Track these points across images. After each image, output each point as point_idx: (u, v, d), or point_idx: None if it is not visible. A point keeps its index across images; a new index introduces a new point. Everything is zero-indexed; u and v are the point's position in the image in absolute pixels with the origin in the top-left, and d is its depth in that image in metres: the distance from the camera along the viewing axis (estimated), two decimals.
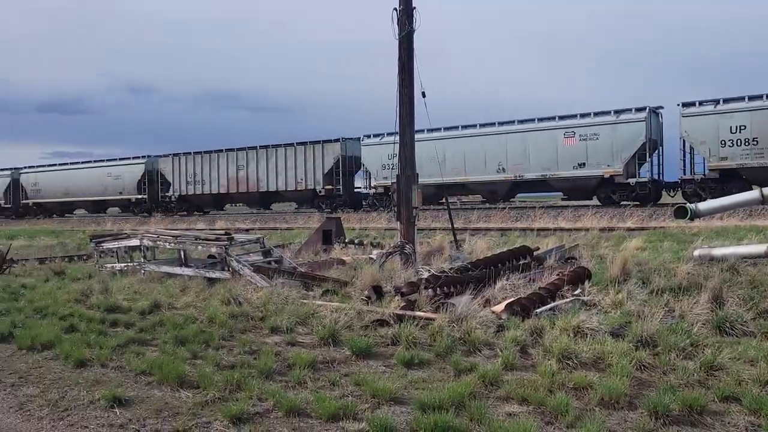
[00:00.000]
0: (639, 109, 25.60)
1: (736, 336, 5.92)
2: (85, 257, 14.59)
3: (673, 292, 7.51)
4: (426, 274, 8.58)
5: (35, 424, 4.43)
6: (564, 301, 7.30)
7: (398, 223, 11.03)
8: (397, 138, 10.78)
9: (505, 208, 26.20)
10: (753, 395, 4.24)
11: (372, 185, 32.51)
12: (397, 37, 10.42)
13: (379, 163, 31.49)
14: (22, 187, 47.34)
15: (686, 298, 7.05)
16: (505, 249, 10.81)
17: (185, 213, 39.29)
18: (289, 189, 35.04)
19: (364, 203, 33.20)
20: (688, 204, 9.79)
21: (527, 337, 5.87)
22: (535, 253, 10.28)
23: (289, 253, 13.01)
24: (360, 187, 34.81)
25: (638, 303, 7.04)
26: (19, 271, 12.57)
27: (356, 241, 14.63)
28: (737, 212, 18.44)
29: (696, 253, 9.78)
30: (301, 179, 34.47)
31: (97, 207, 44.34)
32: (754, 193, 9.18)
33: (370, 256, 12.09)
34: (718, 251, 9.63)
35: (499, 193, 29.54)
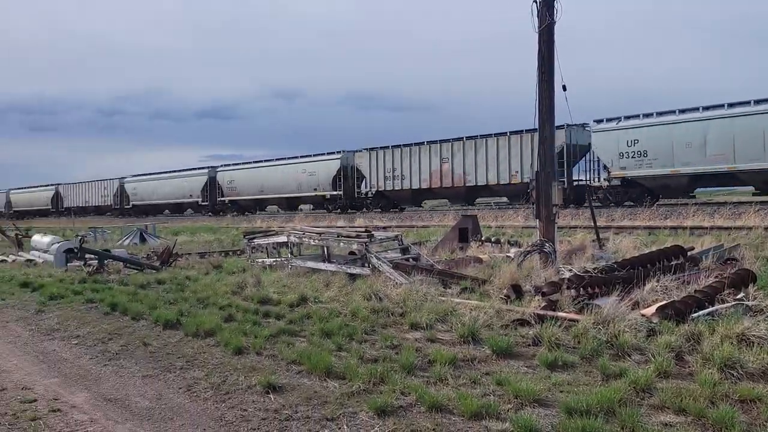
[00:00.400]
0: None
1: None
2: (238, 252, 15.72)
3: None
4: (567, 274, 8.29)
5: (201, 404, 4.86)
6: (725, 305, 6.70)
7: (537, 220, 10.75)
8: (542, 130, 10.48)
9: (653, 205, 24.59)
10: None
11: (606, 177, 28.09)
12: (537, 30, 10.14)
13: (615, 151, 27.10)
14: (218, 185, 47.81)
15: None
16: (653, 248, 10.15)
17: (379, 210, 37.40)
18: (501, 182, 31.84)
19: (594, 197, 27.80)
20: None
21: (683, 343, 5.48)
22: (689, 254, 9.56)
23: (426, 250, 13.13)
24: (579, 180, 30.31)
25: None
26: (183, 264, 13.83)
27: (493, 239, 14.44)
28: None
29: None
30: (516, 171, 31.09)
31: (291, 204, 43.91)
32: None
33: (508, 254, 11.88)
34: None
35: None
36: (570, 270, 9.05)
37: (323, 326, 6.82)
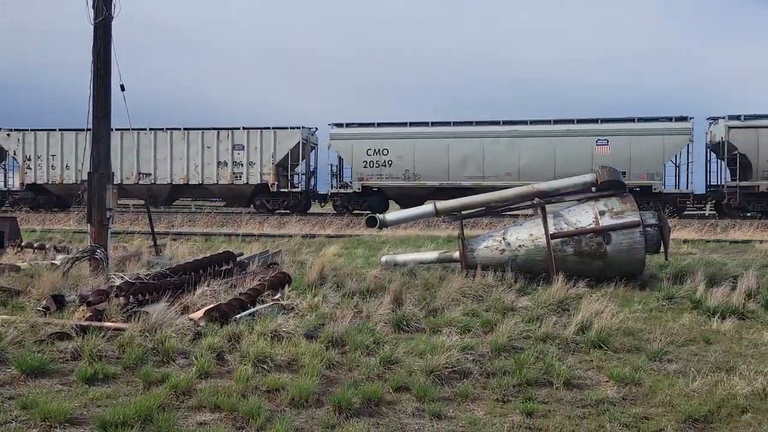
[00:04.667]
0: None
1: (411, 332, 6.70)
2: None
3: (362, 295, 8.18)
4: (119, 281, 7.92)
5: None
6: (264, 306, 7.42)
7: (89, 225, 9.99)
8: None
9: (211, 212, 25.76)
10: (420, 384, 4.85)
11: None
12: (92, 23, 9.47)
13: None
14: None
15: (373, 300, 7.77)
16: (208, 254, 10.58)
17: None
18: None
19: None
20: (377, 215, 10.81)
21: (225, 343, 5.81)
22: (238, 259, 10.27)
23: None
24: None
25: (332, 306, 7.52)
26: None
27: (36, 245, 12.83)
28: (418, 223, 21.04)
29: (383, 259, 10.86)
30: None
31: None
32: (429, 207, 10.57)
33: (53, 261, 10.70)
34: (401, 257, 10.83)
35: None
36: (122, 277, 8.66)
37: None
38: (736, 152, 24.53)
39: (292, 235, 16.47)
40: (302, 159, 28.57)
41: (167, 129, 28.57)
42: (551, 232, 9.42)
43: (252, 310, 7.13)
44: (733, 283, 8.40)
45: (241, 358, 5.39)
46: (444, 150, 26.31)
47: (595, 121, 25.88)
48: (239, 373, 4.92)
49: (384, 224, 10.74)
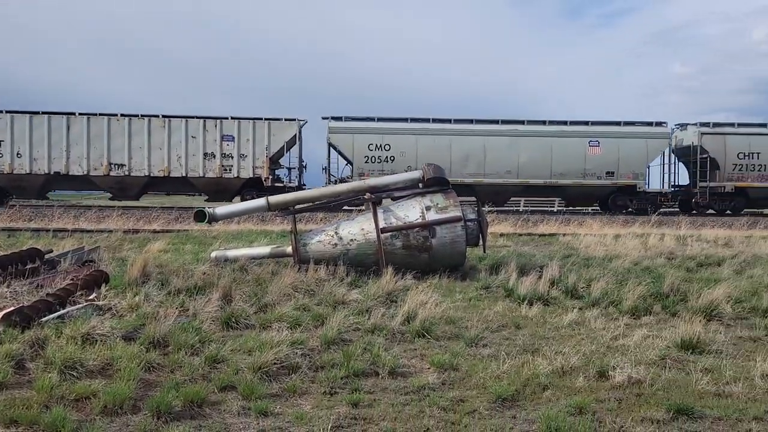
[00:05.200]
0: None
1: (241, 329, 6.52)
2: None
3: (189, 292, 7.81)
4: None
5: None
6: (76, 307, 6.79)
7: None
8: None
9: (15, 204, 23.08)
10: (247, 382, 4.73)
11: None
12: None
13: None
14: None
15: (200, 297, 7.46)
16: (9, 252, 9.46)
17: None
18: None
19: None
20: (206, 208, 10.38)
21: (26, 349, 5.22)
22: (47, 256, 9.31)
23: None
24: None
25: (155, 304, 7.09)
26: None
27: None
28: (252, 217, 20.60)
29: (213, 254, 10.47)
30: None
31: None
32: (261, 201, 10.37)
33: None
34: (231, 253, 10.51)
35: None
36: None
37: None
38: (707, 155, 27.10)
39: (112, 230, 15.30)
40: (298, 152, 27.72)
41: (143, 116, 25.93)
42: (381, 227, 9.71)
43: (61, 312, 6.50)
44: (539, 272, 9.26)
45: (45, 366, 4.87)
46: (446, 147, 26.56)
47: (585, 123, 27.40)
48: (42, 381, 4.44)
49: (214, 218, 10.36)
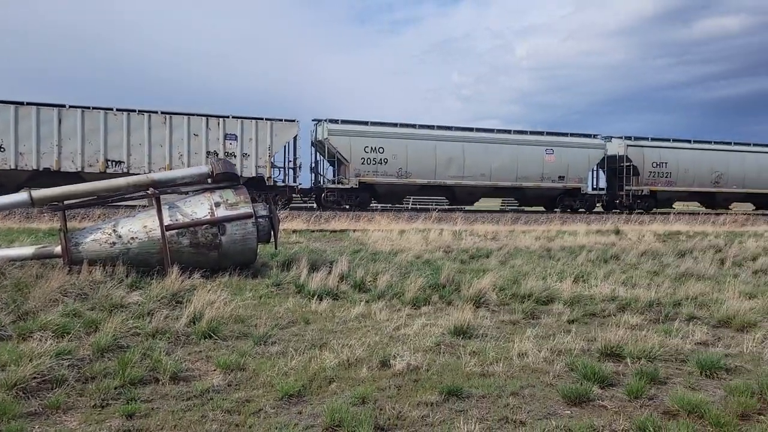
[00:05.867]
0: None
1: None
2: None
3: None
4: None
5: None
6: None
7: None
8: None
9: None
10: None
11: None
12: None
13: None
14: None
15: None
16: None
17: None
18: None
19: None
20: None
21: None
22: None
23: None
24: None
25: None
26: None
27: None
28: (14, 214, 18.20)
29: None
30: None
31: None
32: (22, 195, 9.14)
33: None
34: None
35: None
36: None
37: None
38: (630, 164, 32.26)
39: None
40: (297, 152, 27.62)
41: (141, 111, 24.62)
42: (167, 224, 9.18)
43: None
44: (330, 267, 9.48)
45: None
46: (431, 151, 28.92)
47: (541, 133, 31.11)
48: None
49: None
